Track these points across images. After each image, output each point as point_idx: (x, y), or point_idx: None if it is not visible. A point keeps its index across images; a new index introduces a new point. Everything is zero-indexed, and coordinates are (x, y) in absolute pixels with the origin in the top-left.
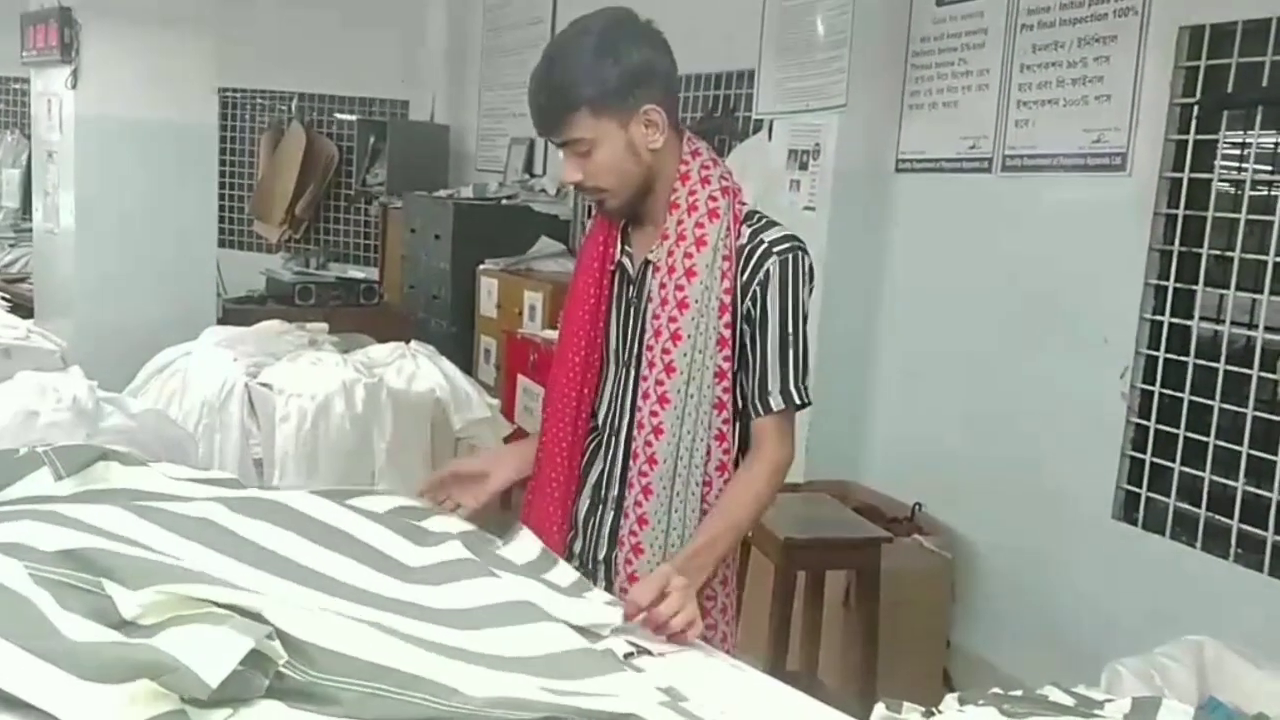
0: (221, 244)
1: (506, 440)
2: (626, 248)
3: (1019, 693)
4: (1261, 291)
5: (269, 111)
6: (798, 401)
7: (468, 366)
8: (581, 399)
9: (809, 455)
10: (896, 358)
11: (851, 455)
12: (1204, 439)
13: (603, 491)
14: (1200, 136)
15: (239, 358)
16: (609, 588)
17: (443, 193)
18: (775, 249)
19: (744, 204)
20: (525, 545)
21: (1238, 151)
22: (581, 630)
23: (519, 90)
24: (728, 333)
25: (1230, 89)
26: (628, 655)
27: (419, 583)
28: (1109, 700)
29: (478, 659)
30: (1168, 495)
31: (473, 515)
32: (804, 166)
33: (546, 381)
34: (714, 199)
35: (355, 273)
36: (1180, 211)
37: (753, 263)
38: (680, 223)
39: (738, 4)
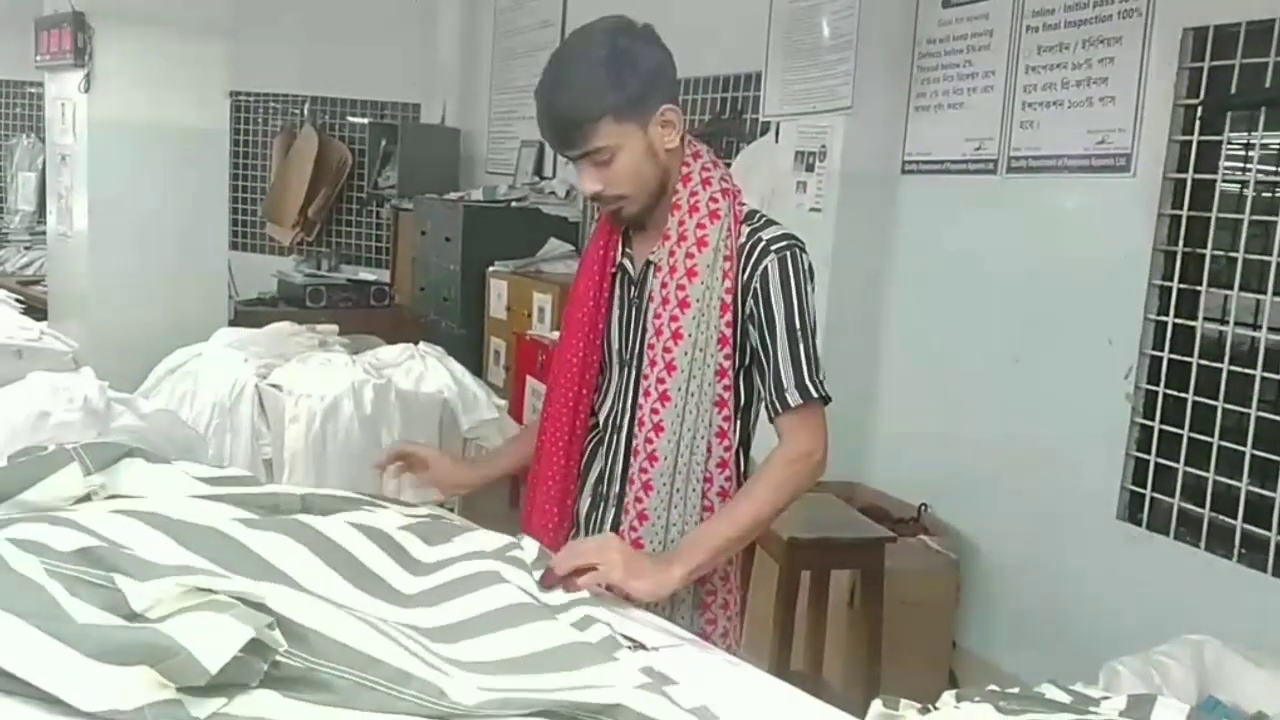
0: (234, 246)
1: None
2: (628, 250)
3: (1016, 690)
4: (1265, 292)
5: (282, 115)
6: (815, 395)
7: (477, 368)
8: (580, 398)
9: None
10: (903, 358)
11: (858, 456)
12: (1208, 439)
13: (604, 488)
14: (1204, 137)
15: (249, 359)
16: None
17: (453, 195)
18: (773, 247)
19: (744, 205)
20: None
21: (1242, 152)
22: (574, 624)
23: (529, 93)
24: (729, 331)
25: (1234, 90)
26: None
27: (417, 606)
28: (1105, 698)
29: (467, 666)
30: (1172, 496)
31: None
32: (810, 168)
33: (546, 382)
34: (715, 200)
35: (366, 275)
36: (1184, 212)
37: (751, 261)
38: (682, 224)
39: (744, 7)
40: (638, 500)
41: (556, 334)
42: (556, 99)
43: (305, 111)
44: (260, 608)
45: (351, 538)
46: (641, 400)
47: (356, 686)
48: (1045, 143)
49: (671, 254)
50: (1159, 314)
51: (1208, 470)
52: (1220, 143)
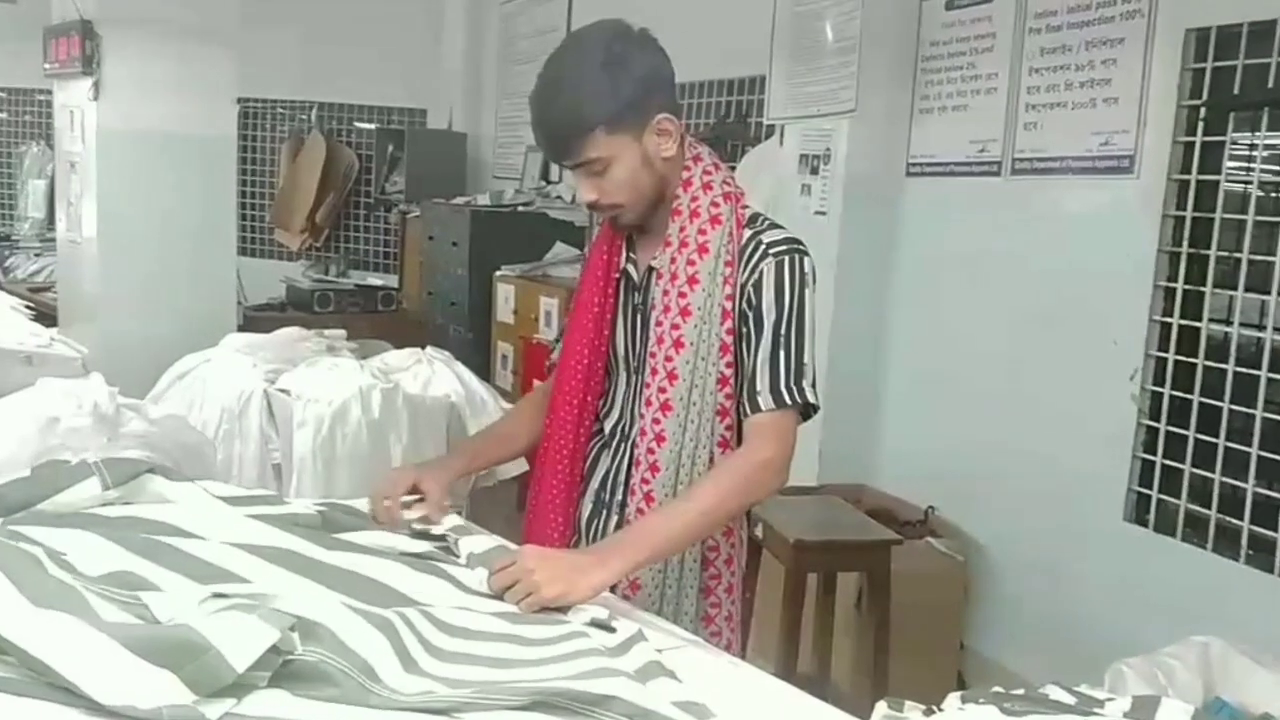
0: (243, 252)
1: (523, 480)
2: (631, 255)
3: (1021, 691)
4: (1270, 292)
5: (289, 121)
6: (788, 401)
7: (485, 372)
8: (584, 405)
9: (822, 459)
10: (909, 361)
11: (865, 459)
12: (1214, 440)
13: (606, 495)
14: (1207, 138)
15: (258, 364)
16: (611, 591)
17: (460, 200)
18: (772, 250)
19: (747, 208)
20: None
21: (1245, 153)
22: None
23: None
24: (730, 339)
25: (1237, 90)
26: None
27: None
28: (1110, 699)
29: (462, 658)
30: (1178, 497)
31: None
32: (815, 171)
33: (553, 388)
34: (716, 205)
35: (374, 280)
36: (1188, 213)
37: (750, 264)
38: (683, 229)
39: (748, 10)
40: (640, 511)
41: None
42: (548, 110)
43: (313, 118)
44: (281, 612)
45: (366, 563)
46: (644, 410)
47: (360, 688)
48: (1049, 144)
49: (673, 261)
50: (1164, 315)
51: (1214, 471)
52: (1224, 143)
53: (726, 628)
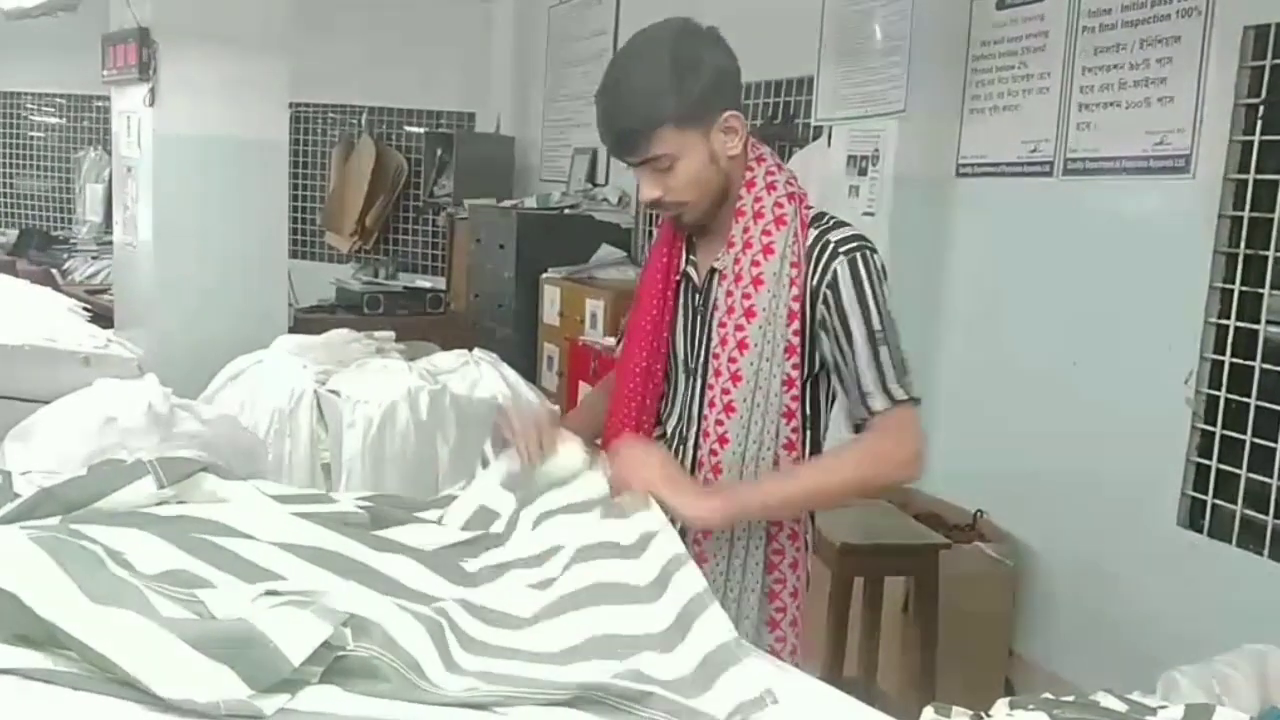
0: (294, 255)
1: None
2: (692, 256)
3: (1071, 698)
4: None
5: (340, 125)
6: (902, 397)
7: (531, 373)
8: (644, 409)
9: None
10: (959, 363)
11: None
12: (1271, 445)
13: None
14: (1266, 137)
15: (308, 365)
16: None
17: (507, 203)
18: (841, 249)
19: (810, 208)
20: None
21: None
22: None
23: (583, 102)
24: (796, 340)
25: None
26: None
27: (474, 585)
28: (1163, 707)
29: (512, 653)
30: (1234, 502)
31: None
32: (863, 172)
33: (613, 392)
34: (780, 205)
35: (423, 282)
36: (1245, 214)
37: (820, 266)
38: (746, 230)
39: (796, 11)
40: None
41: (609, 340)
42: (615, 105)
43: (363, 122)
44: (333, 610)
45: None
46: (706, 411)
47: (409, 684)
48: (1103, 144)
49: (736, 262)
50: (1220, 317)
51: (1271, 476)
52: None
53: (791, 633)
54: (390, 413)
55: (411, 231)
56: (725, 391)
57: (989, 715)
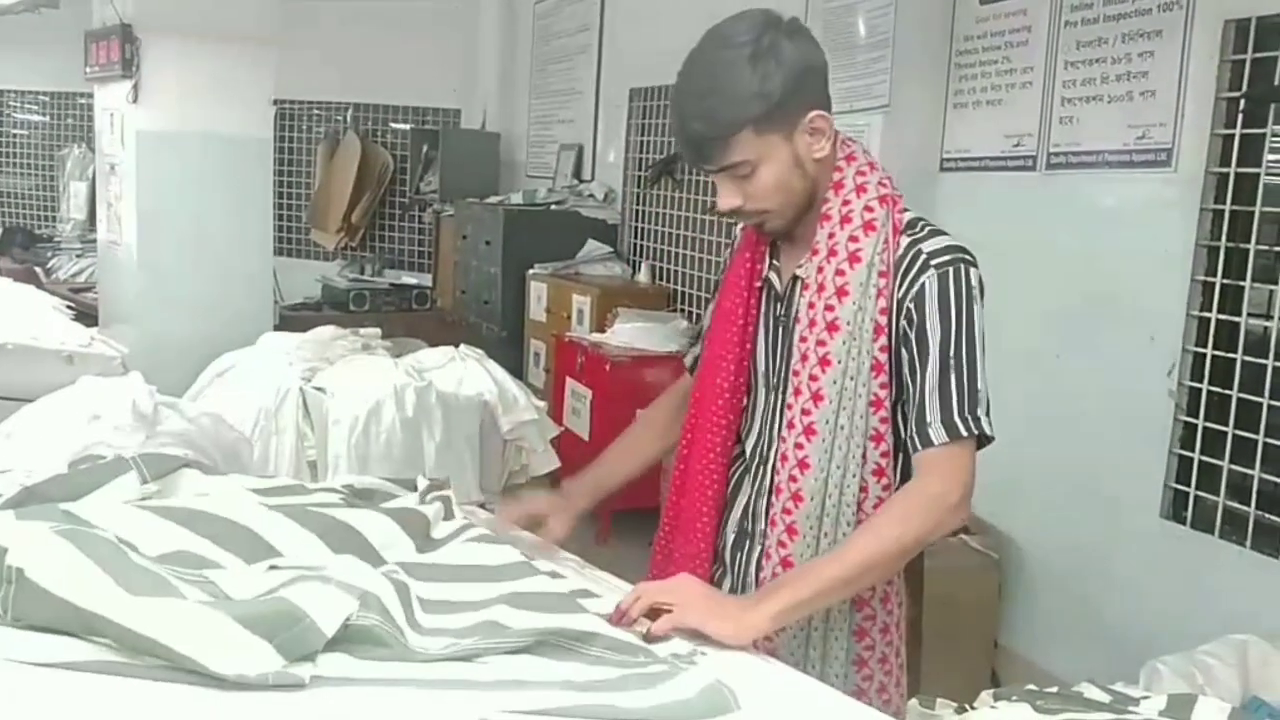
0: (280, 252)
1: (555, 476)
2: (774, 262)
3: (1054, 689)
4: None
5: (325, 122)
6: (964, 433)
7: (518, 370)
8: (729, 427)
9: None
10: None
11: None
12: (1253, 436)
13: (749, 524)
14: (1247, 130)
15: (294, 363)
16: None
17: (493, 199)
18: (934, 261)
19: (905, 212)
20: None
21: None
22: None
23: (568, 97)
24: (883, 357)
25: (1278, 82)
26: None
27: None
28: (1145, 697)
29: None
30: (1216, 493)
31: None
32: None
33: (690, 406)
34: (870, 209)
35: (408, 279)
36: (1227, 207)
37: (909, 278)
38: (832, 236)
39: (781, 6)
40: (781, 544)
41: (596, 335)
42: (690, 110)
43: (348, 118)
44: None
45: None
46: (785, 432)
47: (404, 647)
48: (1085, 138)
49: (820, 270)
50: (1202, 310)
51: (1253, 468)
52: (1264, 136)
53: (880, 670)
54: (376, 409)
55: (397, 228)
56: (806, 412)
57: (973, 708)
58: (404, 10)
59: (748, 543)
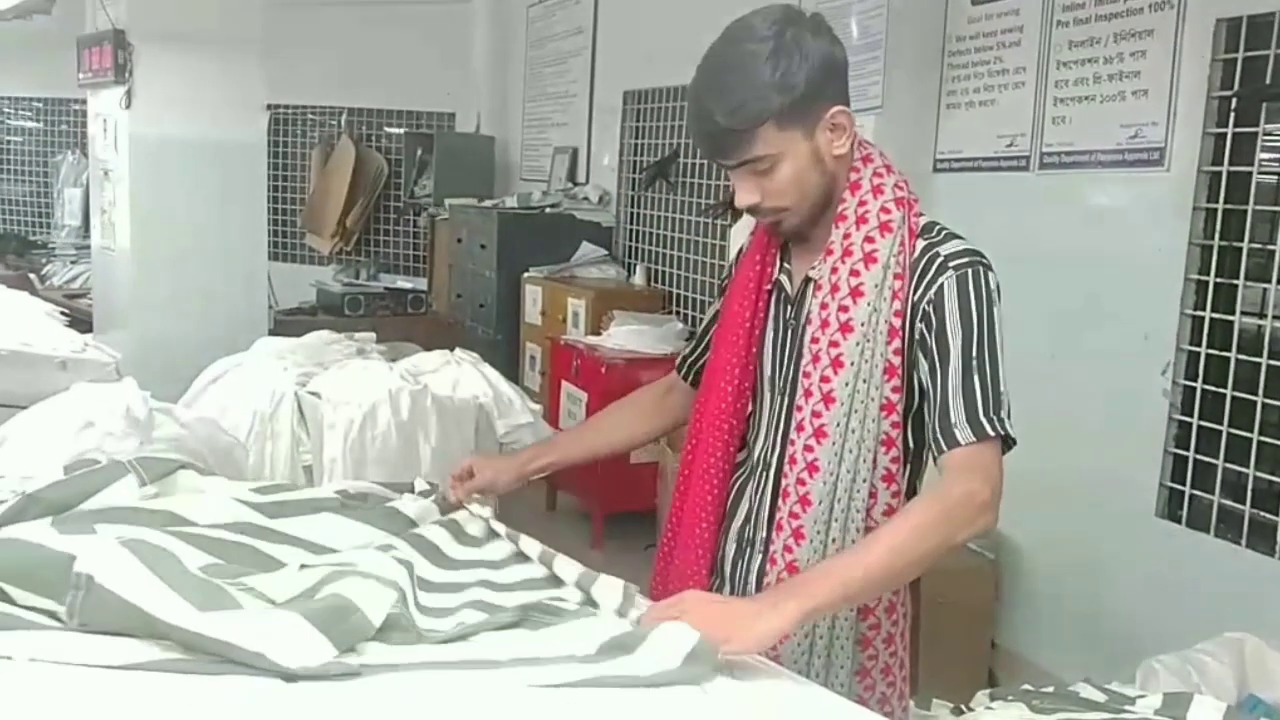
0: (274, 257)
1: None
2: (786, 264)
3: (1050, 689)
4: None
5: (319, 127)
6: (990, 433)
7: (513, 373)
8: (733, 431)
9: None
10: None
11: None
12: (1248, 435)
13: (750, 533)
14: (1239, 129)
15: (289, 368)
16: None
17: (488, 203)
18: (951, 264)
19: (921, 215)
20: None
21: (1278, 144)
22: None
23: (562, 100)
24: (897, 360)
25: (1269, 81)
26: None
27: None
28: (1141, 696)
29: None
30: (1212, 492)
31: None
32: None
33: (694, 411)
34: (886, 211)
35: (404, 283)
36: (1220, 206)
37: (925, 280)
38: (847, 236)
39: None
40: (787, 549)
41: (591, 339)
42: (709, 103)
43: (342, 123)
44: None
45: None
46: (794, 435)
47: (422, 632)
48: (1078, 138)
49: (834, 271)
50: (1196, 309)
51: (1248, 466)
52: (1256, 134)
53: (883, 680)
54: (371, 414)
55: (392, 232)
56: (816, 414)
57: (970, 708)
58: (398, 15)
59: (748, 551)
